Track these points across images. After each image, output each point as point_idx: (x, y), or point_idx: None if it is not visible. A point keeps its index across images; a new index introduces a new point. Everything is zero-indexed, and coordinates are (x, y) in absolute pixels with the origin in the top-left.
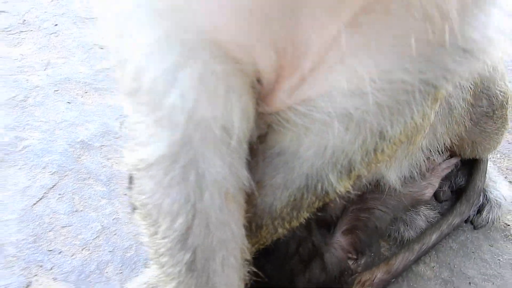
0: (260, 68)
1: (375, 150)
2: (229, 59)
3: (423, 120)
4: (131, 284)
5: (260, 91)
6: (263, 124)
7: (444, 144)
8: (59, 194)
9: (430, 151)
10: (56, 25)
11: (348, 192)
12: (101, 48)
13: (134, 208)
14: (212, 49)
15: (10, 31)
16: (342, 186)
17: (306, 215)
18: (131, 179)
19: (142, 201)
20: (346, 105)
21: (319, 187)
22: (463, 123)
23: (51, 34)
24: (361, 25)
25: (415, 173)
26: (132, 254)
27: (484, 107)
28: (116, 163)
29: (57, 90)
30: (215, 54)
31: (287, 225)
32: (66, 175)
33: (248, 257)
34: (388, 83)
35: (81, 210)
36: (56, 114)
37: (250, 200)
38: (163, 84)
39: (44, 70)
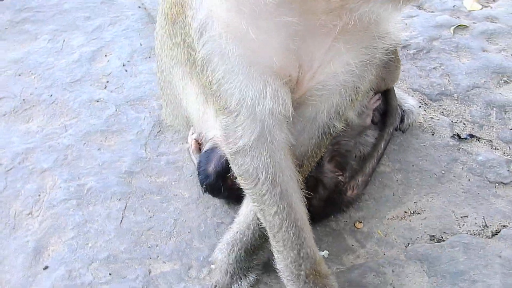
0: (293, 76)
1: (352, 100)
2: (279, 76)
3: (372, 77)
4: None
5: (293, 87)
6: (295, 103)
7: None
8: (132, 211)
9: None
10: (51, 95)
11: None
12: (97, 101)
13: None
14: (273, 73)
15: (17, 112)
16: (340, 126)
17: (323, 151)
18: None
19: (245, 169)
20: (344, 78)
21: (330, 130)
22: (379, 69)
23: (51, 103)
24: (339, 40)
25: (363, 109)
26: (204, 229)
27: (389, 57)
28: (157, 177)
29: (85, 142)
30: (275, 76)
31: (315, 160)
32: (129, 197)
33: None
34: (359, 63)
35: (152, 216)
36: (95, 160)
37: (293, 150)
38: (258, 98)
39: (66, 131)
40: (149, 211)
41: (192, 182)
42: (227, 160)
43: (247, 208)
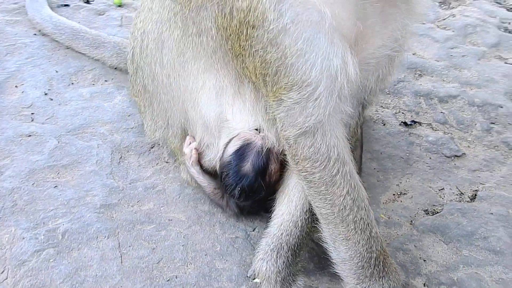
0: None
1: (390, 73)
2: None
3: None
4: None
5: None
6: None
7: None
8: (129, 246)
9: None
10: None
11: None
12: (29, 136)
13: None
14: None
15: None
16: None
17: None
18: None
19: (315, 149)
20: (386, 51)
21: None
22: None
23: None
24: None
25: None
26: (220, 248)
27: None
28: (141, 206)
29: (34, 183)
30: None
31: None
32: (118, 233)
33: None
34: (394, 40)
35: (155, 246)
36: (56, 199)
37: None
38: (341, 65)
39: (2, 174)
40: (149, 243)
41: (183, 202)
42: (266, 154)
43: (289, 206)
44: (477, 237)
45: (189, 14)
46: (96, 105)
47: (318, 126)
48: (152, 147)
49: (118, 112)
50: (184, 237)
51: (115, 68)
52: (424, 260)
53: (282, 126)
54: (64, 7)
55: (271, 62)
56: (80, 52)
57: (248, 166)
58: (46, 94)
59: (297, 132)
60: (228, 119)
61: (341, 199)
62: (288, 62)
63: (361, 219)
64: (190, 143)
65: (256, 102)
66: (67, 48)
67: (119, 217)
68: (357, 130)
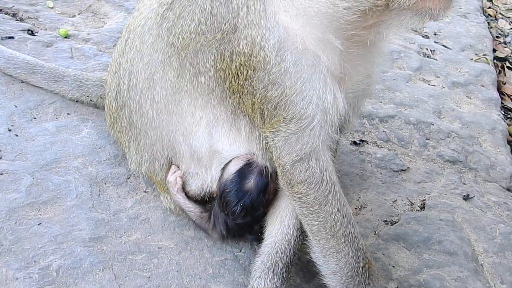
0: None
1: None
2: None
3: None
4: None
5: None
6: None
7: None
8: (125, 277)
9: None
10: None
11: None
12: (1, 174)
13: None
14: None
15: None
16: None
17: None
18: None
19: (310, 173)
20: (362, 86)
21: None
22: None
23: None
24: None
25: None
26: (212, 271)
27: None
28: (128, 237)
29: (16, 221)
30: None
31: None
32: (112, 265)
33: None
34: (368, 75)
35: (151, 275)
36: (43, 237)
37: None
38: (332, 101)
39: None
40: (143, 272)
41: (169, 230)
42: (267, 173)
43: (282, 226)
44: (433, 242)
45: (186, 57)
46: (64, 139)
47: (313, 152)
48: (128, 178)
49: (88, 145)
50: (176, 263)
51: (77, 101)
52: (393, 266)
53: (279, 154)
54: (9, 39)
55: (271, 98)
56: (37, 86)
57: (251, 183)
58: (10, 130)
59: (294, 158)
60: (220, 150)
61: (333, 216)
62: (288, 99)
63: (350, 233)
64: (175, 171)
65: (251, 133)
66: (22, 82)
67: (109, 249)
68: (336, 153)
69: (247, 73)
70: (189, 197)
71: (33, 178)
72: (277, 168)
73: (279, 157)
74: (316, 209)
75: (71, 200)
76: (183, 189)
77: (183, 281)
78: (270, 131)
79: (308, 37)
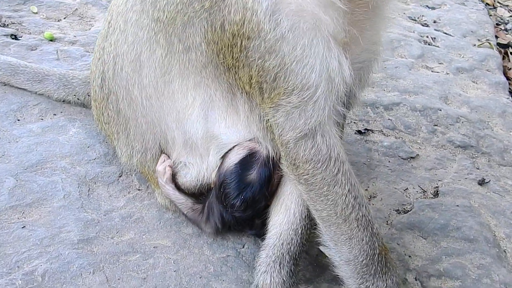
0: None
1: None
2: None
3: None
4: None
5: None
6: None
7: None
8: (118, 279)
9: None
10: None
11: None
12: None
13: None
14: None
15: None
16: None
17: None
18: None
19: (316, 150)
20: (368, 55)
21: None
22: None
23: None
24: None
25: None
26: (213, 269)
27: None
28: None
29: None
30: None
31: None
32: (103, 267)
33: None
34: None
35: (146, 276)
36: (27, 240)
37: None
38: (338, 68)
39: None
40: (138, 273)
41: (165, 228)
42: (271, 164)
43: (287, 214)
44: (451, 229)
45: (174, 32)
46: (50, 140)
47: (318, 127)
48: (120, 176)
49: (76, 144)
50: (174, 263)
51: (63, 101)
52: (410, 256)
53: (281, 131)
54: None
55: (269, 69)
56: (20, 88)
57: (254, 175)
58: None
59: (298, 135)
60: (218, 135)
61: (344, 198)
62: (287, 68)
63: (363, 216)
64: (164, 160)
65: (250, 112)
66: (5, 85)
67: (100, 250)
68: (343, 130)
69: (241, 43)
70: (182, 190)
71: (17, 180)
72: (280, 148)
73: (281, 134)
74: (324, 191)
75: (58, 201)
76: (176, 181)
77: (182, 280)
78: (270, 107)
79: None
